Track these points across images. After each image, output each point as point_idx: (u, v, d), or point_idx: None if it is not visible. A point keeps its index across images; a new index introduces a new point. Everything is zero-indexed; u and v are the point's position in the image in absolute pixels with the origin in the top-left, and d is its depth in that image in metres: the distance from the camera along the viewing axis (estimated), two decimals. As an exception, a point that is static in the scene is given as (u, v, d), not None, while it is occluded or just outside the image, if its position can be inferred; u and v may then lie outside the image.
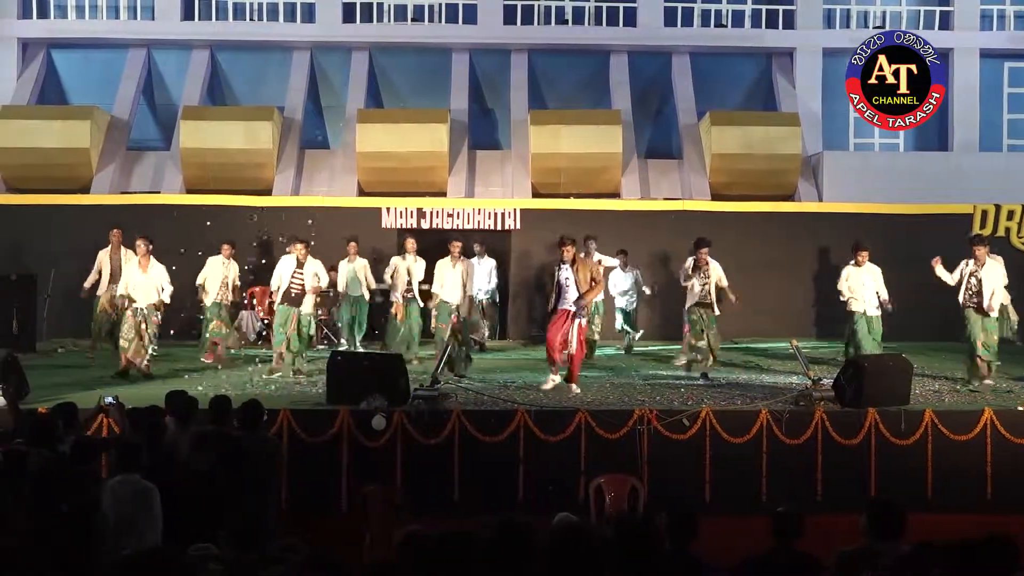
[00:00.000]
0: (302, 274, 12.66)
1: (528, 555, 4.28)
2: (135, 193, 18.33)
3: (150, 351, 12.53)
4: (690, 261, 12.80)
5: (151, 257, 12.72)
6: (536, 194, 18.51)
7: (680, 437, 9.81)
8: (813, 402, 10.31)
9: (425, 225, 17.15)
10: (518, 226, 17.44)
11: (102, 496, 6.03)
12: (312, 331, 12.97)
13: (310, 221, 16.02)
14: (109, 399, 9.71)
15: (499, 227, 17.43)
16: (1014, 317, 12.99)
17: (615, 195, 18.56)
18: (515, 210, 17.54)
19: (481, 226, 17.36)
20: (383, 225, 17.26)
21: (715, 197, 18.46)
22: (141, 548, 4.60)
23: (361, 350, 13.92)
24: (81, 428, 7.82)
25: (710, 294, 12.66)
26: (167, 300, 12.73)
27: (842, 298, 13.12)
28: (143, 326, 12.40)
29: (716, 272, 12.73)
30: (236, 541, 4.88)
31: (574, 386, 11.46)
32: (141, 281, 12.52)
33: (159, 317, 12.67)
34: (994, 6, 20.96)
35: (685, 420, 9.87)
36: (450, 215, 17.47)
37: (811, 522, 5.93)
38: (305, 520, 8.84)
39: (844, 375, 10.55)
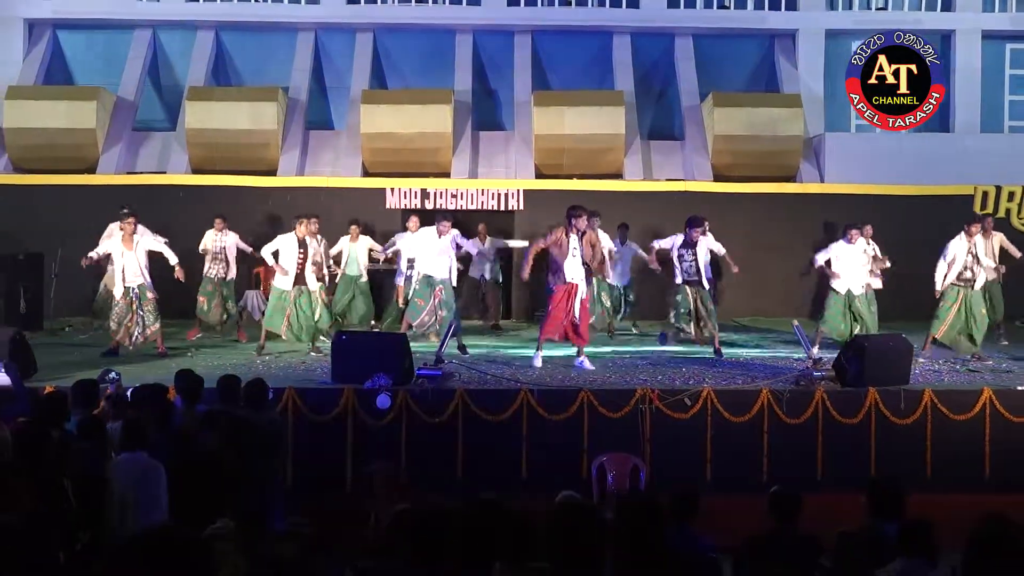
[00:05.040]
0: (304, 252, 12.65)
1: (499, 529, 4.28)
2: (141, 173, 18.30)
3: (156, 328, 12.51)
4: (679, 238, 12.78)
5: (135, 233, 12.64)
6: (539, 175, 18.44)
7: (682, 416, 9.82)
8: (814, 382, 10.31)
9: (429, 205, 17.16)
10: (522, 207, 17.44)
11: (108, 472, 6.04)
12: (319, 306, 12.94)
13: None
14: (114, 373, 9.74)
15: (503, 208, 17.43)
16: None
17: (618, 176, 18.49)
18: (519, 191, 17.52)
19: (485, 206, 17.36)
20: (387, 206, 17.28)
21: (717, 178, 18.39)
22: (156, 524, 4.59)
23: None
24: (96, 406, 7.83)
25: (699, 271, 12.69)
26: (174, 262, 12.64)
27: (815, 265, 12.96)
28: (134, 305, 12.38)
29: (704, 247, 12.79)
30: (242, 519, 4.88)
31: (585, 360, 11.52)
32: (130, 259, 12.43)
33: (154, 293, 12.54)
34: (996, -12, 20.86)
35: (687, 399, 9.87)
36: (454, 195, 17.46)
37: (812, 501, 5.93)
38: (310, 498, 8.86)
39: (845, 355, 10.56)
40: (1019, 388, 10.43)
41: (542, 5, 20.63)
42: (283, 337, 12.70)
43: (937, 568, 4.73)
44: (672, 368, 11.67)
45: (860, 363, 10.24)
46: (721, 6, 20.71)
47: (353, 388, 9.77)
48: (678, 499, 5.70)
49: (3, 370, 9.14)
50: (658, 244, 13.36)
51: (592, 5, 20.67)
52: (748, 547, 5.48)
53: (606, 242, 14.01)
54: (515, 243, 15.67)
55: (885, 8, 20.50)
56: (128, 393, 8.32)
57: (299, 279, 12.64)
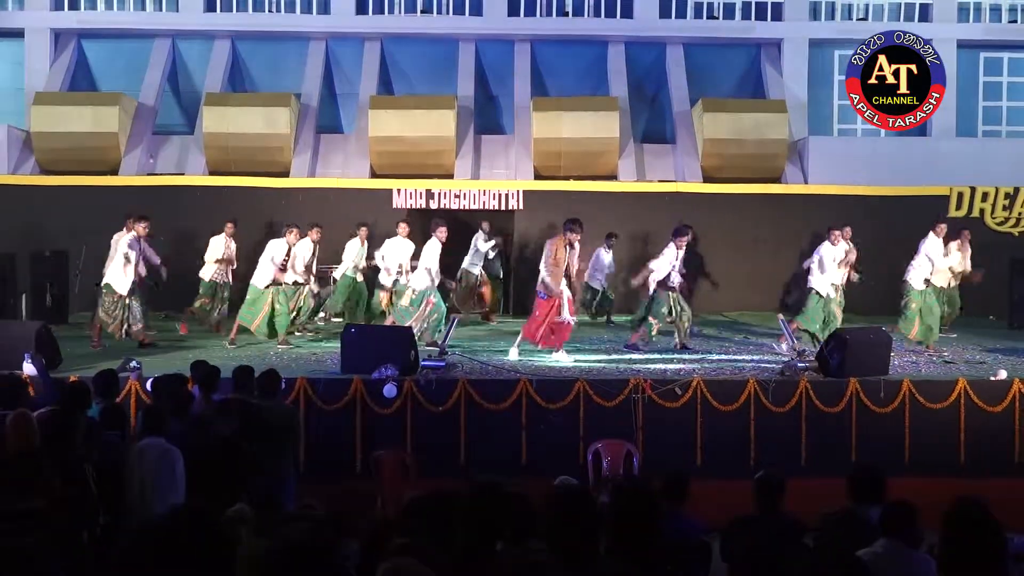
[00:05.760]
0: (287, 258, 12.60)
1: (500, 511, 4.26)
2: (161, 175, 18.27)
3: (141, 325, 12.43)
4: (674, 250, 12.50)
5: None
6: (538, 176, 18.41)
7: (673, 405, 9.81)
8: (798, 372, 10.30)
9: (434, 205, 17.14)
10: (521, 207, 17.42)
11: (129, 457, 6.03)
12: (302, 300, 12.88)
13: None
14: (134, 362, 9.72)
15: (503, 207, 17.40)
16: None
17: (612, 177, 18.46)
18: (518, 191, 17.49)
19: (486, 207, 17.33)
20: (394, 206, 17.25)
21: (707, 180, 18.36)
22: (181, 504, 4.55)
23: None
24: (118, 395, 7.81)
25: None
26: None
27: (809, 267, 12.86)
28: (127, 301, 12.26)
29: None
30: (258, 502, 4.87)
31: (564, 353, 11.50)
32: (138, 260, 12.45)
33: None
34: (970, -1, 20.85)
35: (678, 389, 9.86)
36: (457, 196, 17.43)
37: (796, 485, 5.91)
38: (322, 482, 8.85)
39: (827, 347, 10.55)
40: (992, 379, 10.41)
41: (541, 16, 20.62)
42: (253, 332, 12.64)
43: (918, 549, 4.71)
44: (663, 360, 11.64)
45: (842, 355, 10.23)
46: (710, 16, 20.68)
47: (361, 378, 9.76)
48: (670, 483, 5.69)
49: (30, 361, 9.12)
50: (656, 269, 12.61)
51: (588, 16, 20.64)
52: (735, 528, 5.47)
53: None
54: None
55: (866, 19, 20.48)
56: (148, 384, 8.31)
57: (274, 280, 12.59)
